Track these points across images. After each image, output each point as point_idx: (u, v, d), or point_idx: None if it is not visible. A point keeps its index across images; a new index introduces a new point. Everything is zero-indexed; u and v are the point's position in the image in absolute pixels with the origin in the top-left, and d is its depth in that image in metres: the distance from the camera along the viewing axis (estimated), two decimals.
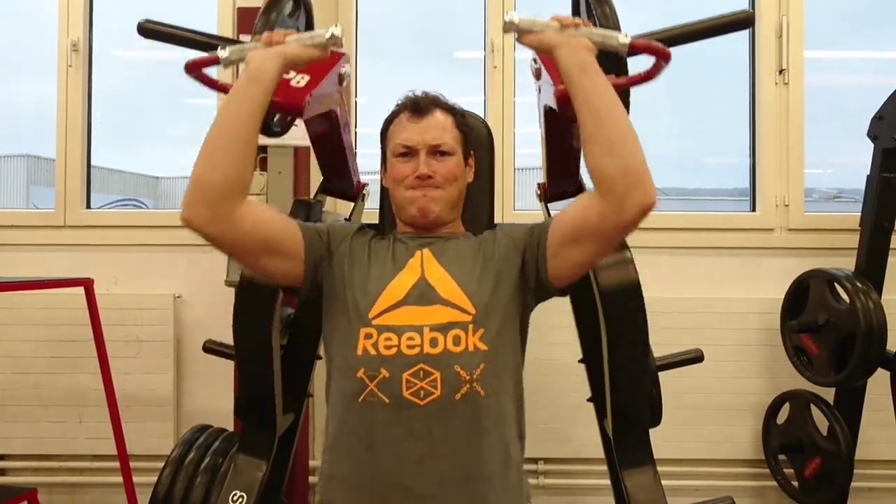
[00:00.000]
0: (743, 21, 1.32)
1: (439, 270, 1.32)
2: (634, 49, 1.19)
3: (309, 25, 1.58)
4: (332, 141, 1.68)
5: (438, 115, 1.41)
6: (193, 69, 1.28)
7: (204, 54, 1.29)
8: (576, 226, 1.24)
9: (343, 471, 1.30)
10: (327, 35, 1.21)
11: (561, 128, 1.52)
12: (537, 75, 1.46)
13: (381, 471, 1.25)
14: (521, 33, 1.19)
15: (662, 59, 1.21)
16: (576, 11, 1.53)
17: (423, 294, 1.29)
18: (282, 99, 1.28)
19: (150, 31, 1.44)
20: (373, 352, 1.25)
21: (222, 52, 1.24)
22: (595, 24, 1.28)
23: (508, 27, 1.19)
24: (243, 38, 2.62)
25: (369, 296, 1.30)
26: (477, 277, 1.31)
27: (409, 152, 1.38)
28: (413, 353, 1.23)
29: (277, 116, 1.40)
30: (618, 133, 1.14)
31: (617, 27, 1.30)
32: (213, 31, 2.83)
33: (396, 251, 1.37)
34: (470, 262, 1.34)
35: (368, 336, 1.26)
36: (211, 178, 1.16)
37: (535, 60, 1.43)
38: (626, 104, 1.30)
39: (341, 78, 1.47)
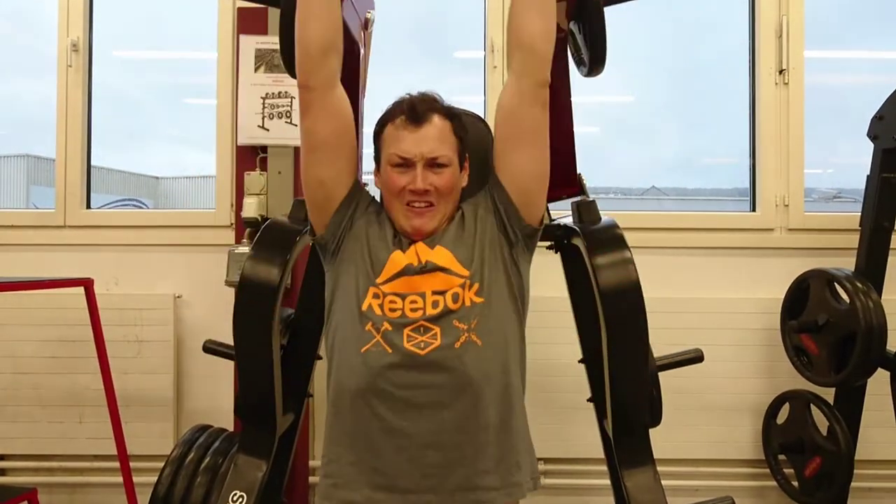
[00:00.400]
0: None
1: (433, 249, 1.39)
2: None
3: None
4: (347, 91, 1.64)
5: (436, 122, 1.40)
6: None
7: None
8: (509, 117, 1.38)
9: (344, 422, 1.34)
10: None
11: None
12: None
13: (381, 420, 1.30)
14: None
15: None
16: None
17: (423, 266, 1.36)
18: None
19: None
20: (378, 311, 1.33)
21: None
22: None
23: None
24: (243, 38, 2.64)
25: (377, 263, 1.38)
26: (464, 245, 1.39)
27: (406, 164, 1.38)
28: (416, 316, 1.32)
29: None
30: None
31: None
32: (213, 31, 2.84)
33: (400, 236, 1.42)
34: (455, 235, 1.41)
35: (376, 296, 1.35)
36: (308, 33, 1.34)
37: None
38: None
39: (367, 23, 1.48)
